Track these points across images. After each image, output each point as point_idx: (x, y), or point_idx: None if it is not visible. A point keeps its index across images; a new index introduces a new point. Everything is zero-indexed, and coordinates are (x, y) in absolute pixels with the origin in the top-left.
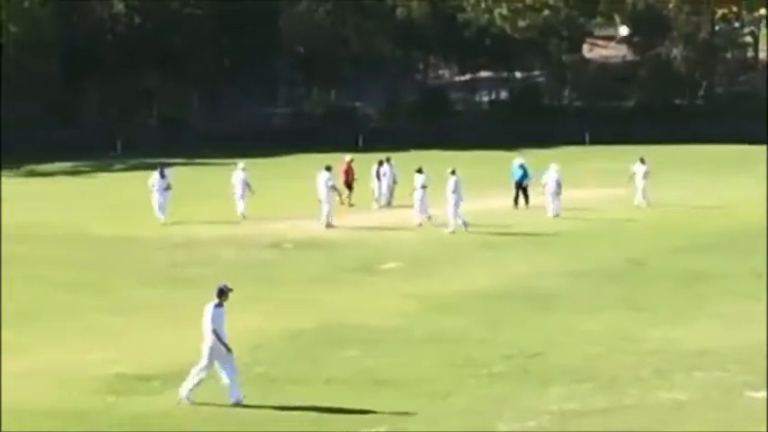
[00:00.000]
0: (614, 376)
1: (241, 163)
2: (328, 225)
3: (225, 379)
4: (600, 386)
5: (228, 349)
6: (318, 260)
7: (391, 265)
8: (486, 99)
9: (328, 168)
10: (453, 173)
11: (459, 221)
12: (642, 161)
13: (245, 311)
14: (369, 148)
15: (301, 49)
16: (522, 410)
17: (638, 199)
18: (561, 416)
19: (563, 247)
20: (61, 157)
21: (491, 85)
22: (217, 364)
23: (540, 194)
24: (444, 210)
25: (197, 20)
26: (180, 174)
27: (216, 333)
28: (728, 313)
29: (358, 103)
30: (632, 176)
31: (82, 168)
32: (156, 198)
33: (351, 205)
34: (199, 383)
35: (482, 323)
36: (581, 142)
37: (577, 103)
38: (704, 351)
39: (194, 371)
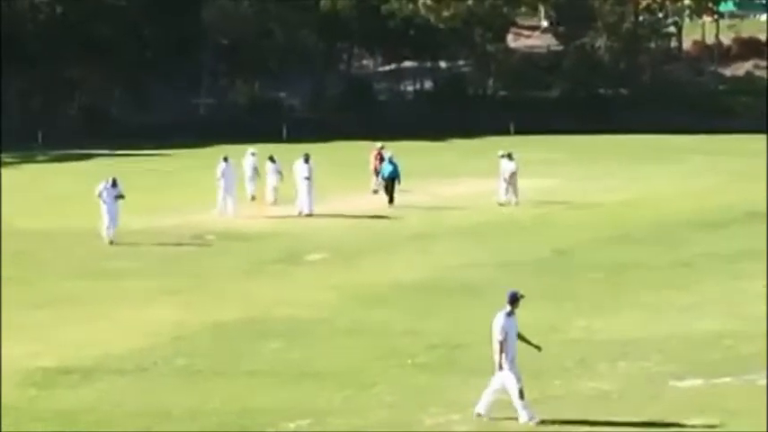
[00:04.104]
0: (539, 367)
1: (251, 148)
2: (307, 214)
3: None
4: (525, 377)
5: (500, 367)
6: (241, 252)
7: (316, 256)
8: (410, 89)
9: (307, 158)
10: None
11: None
12: (510, 157)
13: (167, 303)
14: (293, 139)
15: (225, 41)
16: (448, 402)
17: (502, 196)
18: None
19: (489, 238)
20: None
21: (416, 74)
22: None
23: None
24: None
25: (120, 10)
26: (102, 165)
27: (501, 345)
28: (651, 304)
29: (282, 94)
30: (501, 173)
31: (5, 159)
32: (105, 211)
33: (375, 192)
34: (523, 401)
35: (408, 314)
36: (506, 132)
37: (502, 93)
38: (627, 341)
39: (513, 395)
